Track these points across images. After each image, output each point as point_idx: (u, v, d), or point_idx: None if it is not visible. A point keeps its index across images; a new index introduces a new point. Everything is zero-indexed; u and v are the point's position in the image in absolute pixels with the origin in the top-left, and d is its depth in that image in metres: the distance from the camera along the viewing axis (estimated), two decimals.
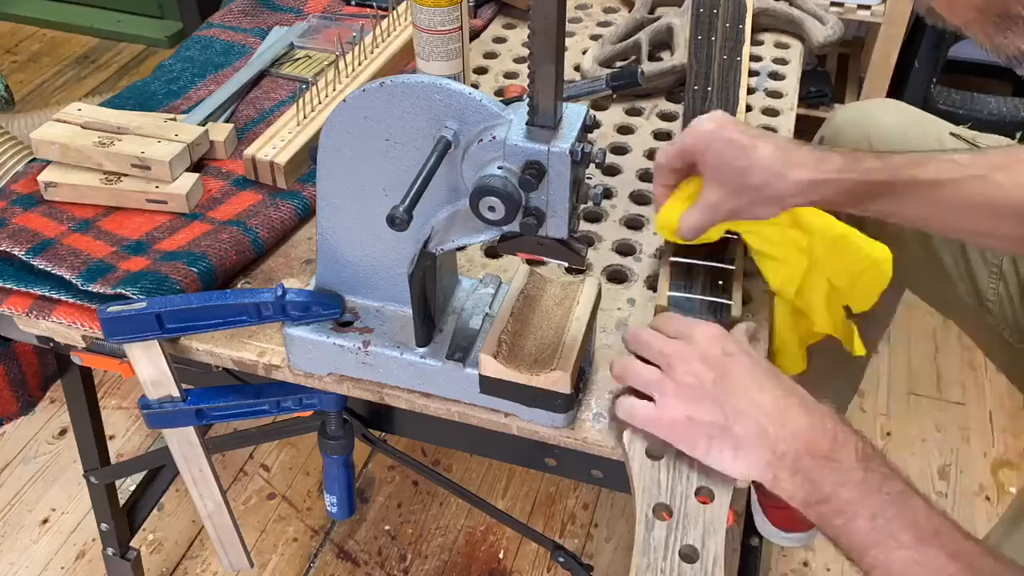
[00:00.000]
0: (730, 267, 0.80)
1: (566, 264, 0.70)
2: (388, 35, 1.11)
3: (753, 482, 0.64)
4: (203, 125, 0.97)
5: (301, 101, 0.97)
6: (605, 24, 1.27)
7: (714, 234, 0.79)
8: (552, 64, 0.57)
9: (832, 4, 1.81)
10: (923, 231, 0.95)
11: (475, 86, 0.95)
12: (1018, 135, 1.96)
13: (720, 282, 0.78)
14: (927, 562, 0.57)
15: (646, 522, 0.63)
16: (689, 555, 0.61)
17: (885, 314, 1.24)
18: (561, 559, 0.95)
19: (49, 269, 0.81)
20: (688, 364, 0.65)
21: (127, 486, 1.34)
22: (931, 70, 2.01)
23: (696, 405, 0.63)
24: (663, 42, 1.18)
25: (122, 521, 1.20)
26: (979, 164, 0.74)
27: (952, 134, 0.99)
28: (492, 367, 0.68)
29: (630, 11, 1.23)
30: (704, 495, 0.64)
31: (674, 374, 0.65)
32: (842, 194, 0.74)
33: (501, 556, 1.39)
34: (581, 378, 0.72)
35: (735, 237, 0.83)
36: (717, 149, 0.74)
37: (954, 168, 0.74)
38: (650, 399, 0.66)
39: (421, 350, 0.71)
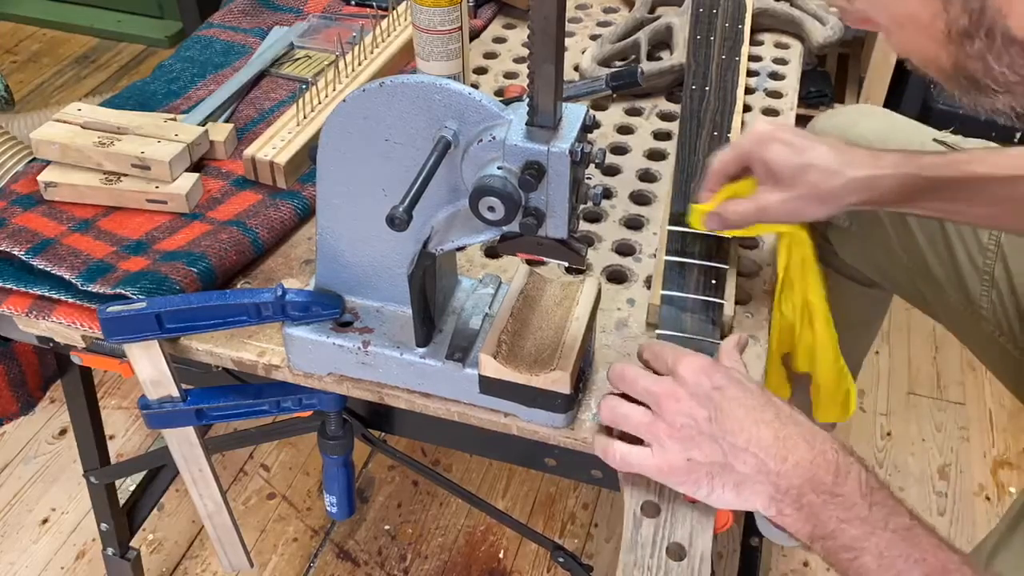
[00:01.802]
0: (723, 266, 0.80)
1: (566, 264, 0.70)
2: (388, 35, 1.11)
3: None
4: (203, 125, 0.97)
5: (301, 101, 0.97)
6: (605, 24, 1.27)
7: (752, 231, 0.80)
8: (552, 64, 0.57)
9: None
10: (909, 239, 0.95)
11: (475, 86, 0.95)
12: (1018, 136, 1.96)
13: (714, 281, 0.78)
14: None
15: (634, 519, 0.63)
16: (676, 552, 0.61)
17: (875, 317, 1.24)
18: (561, 559, 0.95)
19: (49, 269, 0.81)
20: (679, 403, 0.62)
21: (127, 486, 1.34)
22: None
23: (693, 446, 0.61)
24: (662, 41, 1.18)
25: (122, 521, 1.20)
26: None
27: (936, 140, 0.99)
28: (492, 367, 0.68)
29: (630, 11, 1.23)
30: None
31: (665, 415, 0.62)
32: (898, 190, 0.74)
33: (501, 556, 1.39)
34: (581, 378, 0.72)
35: (729, 238, 0.83)
36: (774, 150, 0.75)
37: (1009, 163, 0.75)
38: (640, 439, 0.63)
39: (421, 350, 0.71)
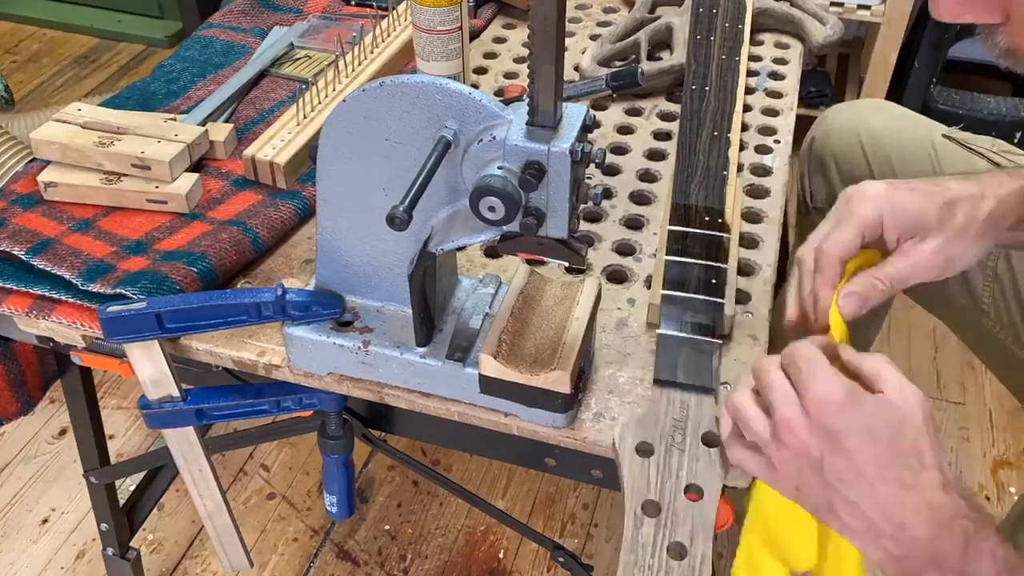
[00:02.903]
0: (723, 266, 0.80)
1: (566, 264, 0.70)
2: (388, 35, 1.11)
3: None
4: (203, 125, 0.97)
5: (301, 101, 0.97)
6: (605, 24, 1.27)
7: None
8: (552, 64, 0.57)
9: (832, 4, 1.82)
10: None
11: (475, 86, 0.95)
12: (1018, 135, 1.96)
13: (714, 281, 0.78)
14: None
15: (635, 519, 0.63)
16: (677, 552, 0.61)
17: (878, 316, 1.24)
18: (561, 559, 0.95)
19: (49, 269, 0.81)
20: (793, 434, 0.57)
21: (127, 486, 1.34)
22: (931, 70, 2.01)
23: (802, 480, 0.57)
24: (662, 41, 1.18)
25: (122, 521, 1.20)
26: None
27: (944, 136, 0.99)
28: (492, 367, 0.68)
29: (630, 11, 1.23)
30: (693, 492, 0.64)
31: (779, 439, 0.58)
32: None
33: (501, 556, 1.39)
34: (581, 378, 0.72)
35: (728, 236, 0.83)
36: (905, 201, 0.66)
37: None
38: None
39: (421, 350, 0.71)
